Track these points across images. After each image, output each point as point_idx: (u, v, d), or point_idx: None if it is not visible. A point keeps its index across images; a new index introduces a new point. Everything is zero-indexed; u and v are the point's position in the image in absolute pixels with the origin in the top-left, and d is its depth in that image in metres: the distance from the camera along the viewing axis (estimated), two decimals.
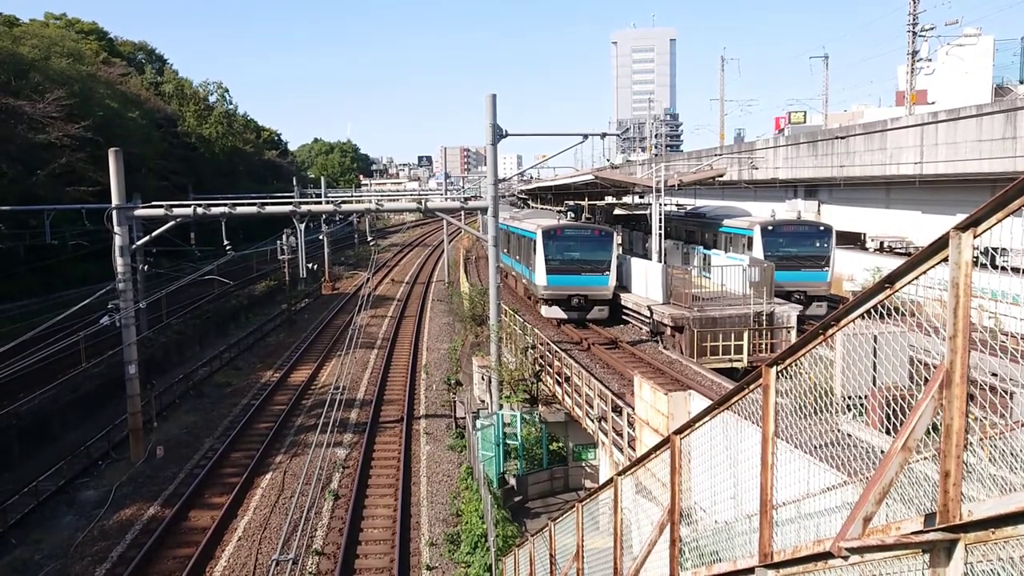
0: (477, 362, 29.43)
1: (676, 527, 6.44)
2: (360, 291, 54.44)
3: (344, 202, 33.26)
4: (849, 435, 5.60)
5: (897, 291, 3.61)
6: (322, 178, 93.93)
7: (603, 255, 32.18)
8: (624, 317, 33.09)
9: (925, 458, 3.72)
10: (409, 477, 24.90)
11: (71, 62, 53.86)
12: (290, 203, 31.05)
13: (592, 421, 21.55)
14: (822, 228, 33.08)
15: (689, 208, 45.33)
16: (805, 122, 64.38)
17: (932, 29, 46.25)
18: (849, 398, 8.57)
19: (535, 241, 32.86)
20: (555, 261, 32.20)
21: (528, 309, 35.51)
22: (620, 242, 45.31)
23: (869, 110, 63.84)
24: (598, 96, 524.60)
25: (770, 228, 32.81)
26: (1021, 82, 61.35)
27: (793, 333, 27.14)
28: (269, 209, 29.11)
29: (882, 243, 39.74)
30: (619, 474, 8.27)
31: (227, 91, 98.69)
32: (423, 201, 30.46)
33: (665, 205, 43.85)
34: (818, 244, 32.20)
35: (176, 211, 26.82)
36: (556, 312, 32.98)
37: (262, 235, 66.48)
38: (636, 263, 33.86)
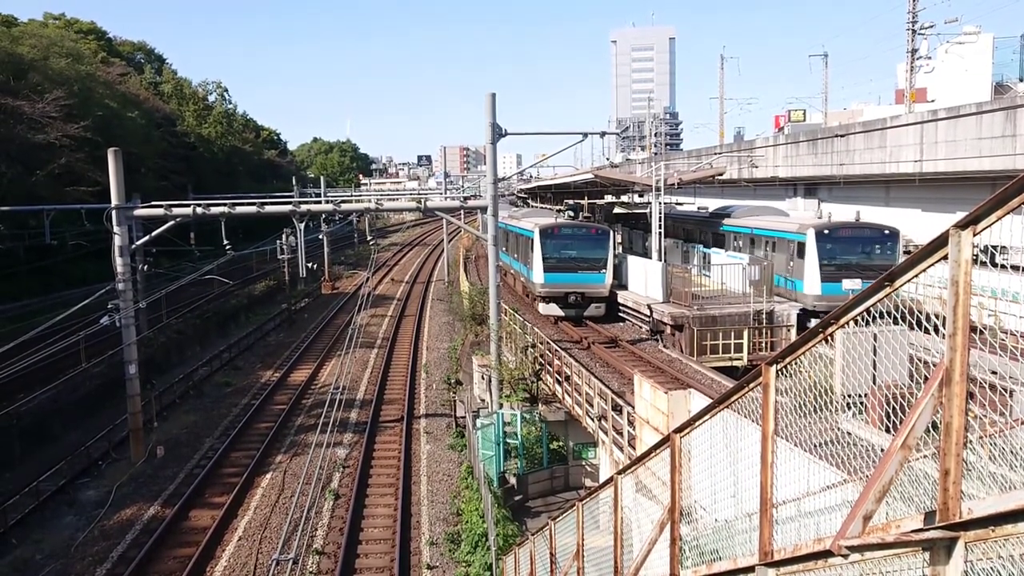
0: (477, 361, 29.42)
1: (676, 526, 6.45)
2: (360, 290, 54.41)
3: (344, 201, 33.25)
4: (849, 433, 5.60)
5: (897, 289, 3.61)
6: (321, 177, 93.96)
7: (600, 253, 32.43)
8: (621, 315, 33.22)
9: (925, 456, 3.72)
10: (409, 476, 24.90)
11: (70, 62, 53.82)
12: (290, 203, 31.05)
13: (592, 420, 21.55)
14: (887, 232, 28.62)
15: (715, 208, 41.67)
16: (805, 120, 64.37)
17: (932, 27, 46.23)
18: (849, 396, 8.57)
19: (532, 240, 33.20)
20: (552, 259, 32.54)
21: (526, 307, 35.76)
22: (620, 240, 45.29)
23: (869, 108, 63.83)
24: (598, 95, 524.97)
25: (827, 232, 28.36)
26: (1021, 80, 61.36)
27: (793, 331, 27.14)
28: (269, 209, 29.11)
29: None
30: (619, 473, 8.27)
31: (226, 91, 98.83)
32: (423, 200, 30.48)
33: (683, 204, 43.43)
34: (882, 251, 28.18)
35: (176, 211, 26.82)
36: (553, 309, 33.29)
37: (262, 235, 66.46)
38: (636, 262, 33.86)
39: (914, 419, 3.32)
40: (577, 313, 32.98)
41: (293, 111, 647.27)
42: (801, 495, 5.19)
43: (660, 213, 33.55)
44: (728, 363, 26.34)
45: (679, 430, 6.53)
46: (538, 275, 32.80)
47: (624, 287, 33.99)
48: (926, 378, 3.35)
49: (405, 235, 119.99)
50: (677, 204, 43.50)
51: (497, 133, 25.95)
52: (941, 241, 3.20)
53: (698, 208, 44.13)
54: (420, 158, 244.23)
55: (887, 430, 4.87)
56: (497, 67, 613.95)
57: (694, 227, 41.28)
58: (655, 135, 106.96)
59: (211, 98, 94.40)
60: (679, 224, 43.03)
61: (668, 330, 28.30)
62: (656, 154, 78.97)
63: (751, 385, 5.08)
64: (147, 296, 33.39)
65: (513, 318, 29.98)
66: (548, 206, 55.57)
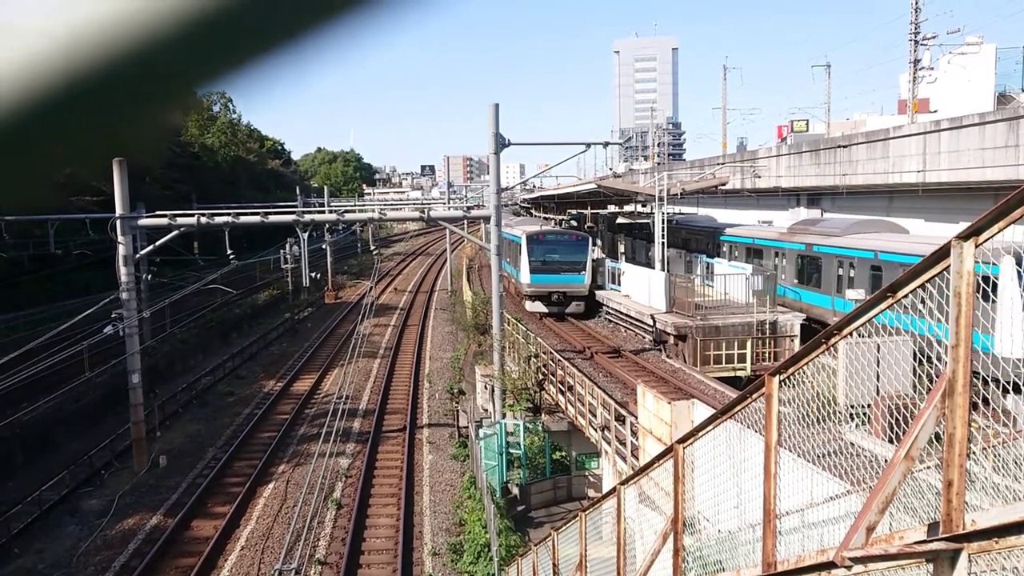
0: (480, 371, 29.42)
1: (679, 536, 6.43)
2: (363, 300, 54.46)
3: (347, 211, 33.44)
4: (852, 444, 5.59)
5: (899, 300, 3.61)
6: (325, 187, 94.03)
7: (580, 256, 35.99)
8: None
9: (928, 467, 3.71)
10: (412, 486, 24.84)
11: None
12: (293, 212, 31.12)
13: (595, 430, 21.51)
14: None
15: (797, 222, 35.34)
16: (807, 131, 64.47)
17: (934, 38, 46.31)
18: (852, 407, 8.55)
19: (521, 245, 36.54)
20: (538, 262, 35.91)
21: (516, 306, 38.35)
22: (624, 251, 45.35)
23: (871, 118, 63.87)
24: (600, 105, 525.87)
25: None
26: (1023, 90, 61.37)
27: (796, 342, 27.09)
28: (273, 218, 29.19)
29: None
30: (622, 483, 8.26)
31: (230, 101, 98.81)
32: (426, 210, 30.61)
33: (707, 209, 42.84)
34: None
35: (180, 220, 26.90)
36: (539, 307, 36.76)
37: (265, 244, 66.55)
38: (638, 271, 34.10)
39: (917, 430, 3.32)
40: (560, 310, 36.16)
41: (297, 122, 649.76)
42: (804, 506, 5.18)
43: (663, 222, 33.59)
44: (731, 373, 26.30)
45: (682, 440, 6.53)
46: (525, 276, 36.02)
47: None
48: (929, 389, 3.35)
49: (408, 245, 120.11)
50: (686, 212, 43.21)
51: (500, 143, 25.99)
52: (943, 252, 3.21)
53: (759, 221, 38.83)
54: (423, 168, 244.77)
55: (890, 441, 4.86)
56: (500, 77, 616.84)
57: (760, 244, 35.08)
58: (658, 145, 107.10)
59: (215, 108, 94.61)
60: (735, 243, 37.40)
61: (671, 340, 28.28)
62: (659, 164, 79.08)
63: (754, 396, 5.09)
64: (151, 305, 33.43)
65: (516, 327, 30.00)
66: (551, 215, 55.75)
